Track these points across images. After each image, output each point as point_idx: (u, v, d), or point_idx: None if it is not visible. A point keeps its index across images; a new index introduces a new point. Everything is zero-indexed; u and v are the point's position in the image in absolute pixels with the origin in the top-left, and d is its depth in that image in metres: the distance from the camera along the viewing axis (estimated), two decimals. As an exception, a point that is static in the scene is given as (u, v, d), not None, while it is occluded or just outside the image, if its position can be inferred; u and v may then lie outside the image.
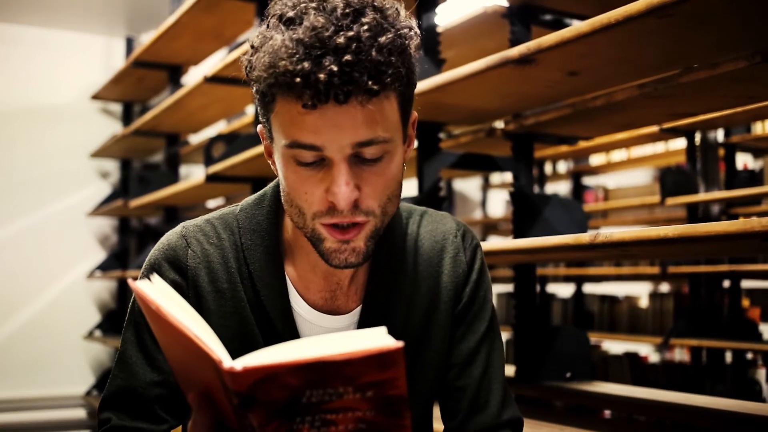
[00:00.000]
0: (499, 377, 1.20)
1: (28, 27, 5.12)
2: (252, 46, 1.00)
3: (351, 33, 0.92)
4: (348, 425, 0.78)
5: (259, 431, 0.77)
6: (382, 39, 0.93)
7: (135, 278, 0.91)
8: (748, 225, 1.19)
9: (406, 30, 0.98)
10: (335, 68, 0.90)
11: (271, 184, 1.18)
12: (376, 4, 0.97)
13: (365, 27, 0.93)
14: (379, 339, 0.74)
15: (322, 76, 0.90)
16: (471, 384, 1.18)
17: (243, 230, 1.13)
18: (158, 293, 0.80)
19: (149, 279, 0.85)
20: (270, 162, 1.09)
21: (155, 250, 1.14)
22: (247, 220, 1.14)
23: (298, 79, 0.91)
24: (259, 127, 1.07)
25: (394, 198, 1.04)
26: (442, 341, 1.19)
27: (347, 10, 0.94)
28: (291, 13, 0.96)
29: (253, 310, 1.11)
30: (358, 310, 1.14)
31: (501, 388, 1.20)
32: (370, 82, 0.92)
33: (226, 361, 0.73)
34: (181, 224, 1.16)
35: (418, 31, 1.01)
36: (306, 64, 0.91)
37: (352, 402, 0.76)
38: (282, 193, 1.06)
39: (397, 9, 1.00)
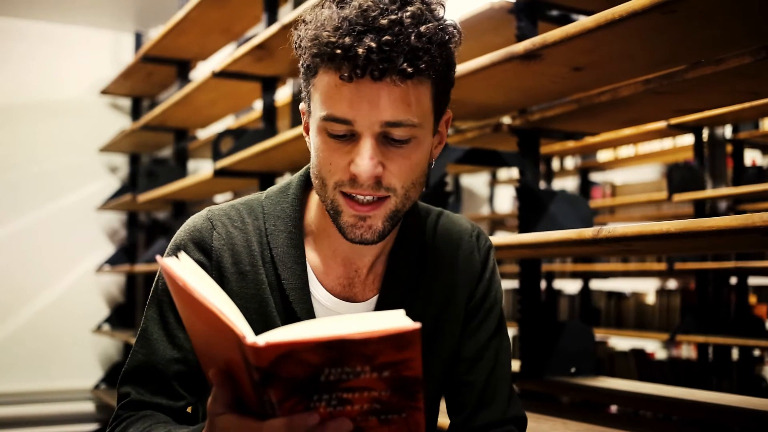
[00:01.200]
0: (506, 375, 1.24)
1: (38, 22, 5.14)
2: (303, 20, 1.06)
3: (394, 17, 0.99)
4: (363, 405, 0.80)
5: (278, 407, 0.79)
6: (423, 27, 1.00)
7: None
8: (749, 220, 1.19)
9: (449, 27, 1.04)
10: (374, 45, 0.97)
11: (296, 174, 1.22)
12: None
13: (408, 14, 1.00)
14: (397, 320, 0.77)
15: (360, 50, 0.97)
16: (479, 380, 1.21)
17: (267, 216, 1.17)
18: (185, 270, 0.83)
19: (176, 257, 0.87)
20: (306, 139, 1.14)
21: (181, 231, 1.18)
22: (272, 207, 1.18)
23: (339, 51, 0.98)
24: (301, 105, 1.13)
25: (417, 185, 1.08)
26: (453, 337, 1.22)
27: None
28: None
29: (273, 293, 1.14)
30: (374, 299, 1.18)
31: (507, 386, 1.23)
32: (405, 64, 0.98)
33: (249, 337, 0.75)
34: (207, 208, 1.20)
35: (461, 30, 1.07)
36: (348, 39, 0.98)
37: (368, 381, 0.78)
38: (311, 167, 1.11)
39: (443, 5, 1.06)
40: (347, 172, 1.03)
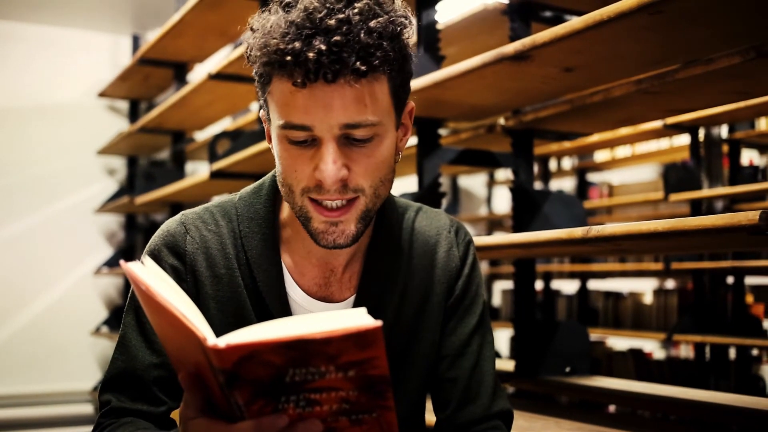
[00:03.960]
0: (489, 369, 1.23)
1: (35, 25, 5.15)
2: (251, 29, 1.05)
3: (342, 15, 0.96)
4: (332, 405, 0.80)
5: (246, 410, 0.79)
6: (373, 23, 0.97)
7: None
8: (735, 219, 1.20)
9: (399, 18, 1.01)
10: (324, 48, 0.94)
11: (269, 174, 1.21)
12: None
13: (356, 11, 0.97)
14: (358, 318, 0.76)
15: (311, 54, 0.94)
16: (462, 375, 1.20)
17: (241, 218, 1.16)
18: (149, 274, 0.83)
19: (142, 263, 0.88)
20: (270, 146, 1.12)
21: (155, 237, 1.17)
22: (245, 208, 1.17)
23: (288, 58, 0.96)
24: (261, 112, 1.11)
25: (386, 182, 1.07)
26: (434, 333, 1.21)
27: None
28: None
29: (249, 295, 1.13)
30: (352, 299, 1.17)
31: (492, 380, 1.22)
32: (358, 63, 0.96)
33: (210, 339, 0.75)
34: (181, 213, 1.20)
35: (413, 20, 1.04)
36: (297, 44, 0.95)
37: (334, 381, 0.77)
38: (277, 176, 1.09)
39: None
40: (312, 178, 1.02)
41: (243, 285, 1.14)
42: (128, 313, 1.16)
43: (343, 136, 1.01)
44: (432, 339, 1.21)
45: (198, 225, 1.16)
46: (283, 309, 1.13)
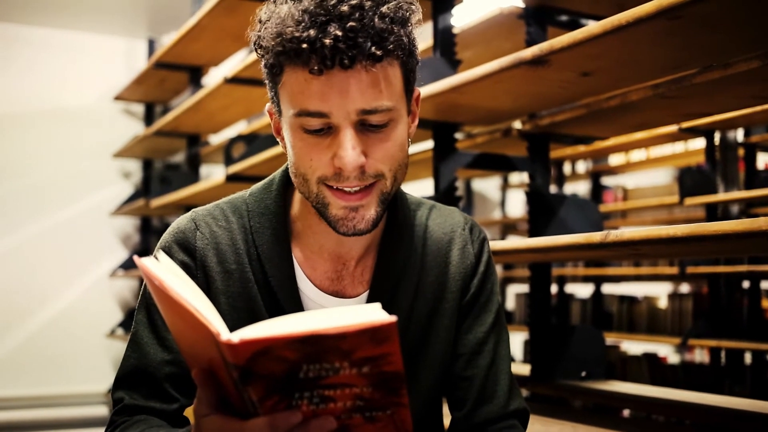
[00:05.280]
0: (505, 368, 1.22)
1: (51, 29, 5.19)
2: (259, 20, 1.04)
3: (354, 2, 0.97)
4: (346, 402, 0.79)
5: (260, 406, 0.79)
6: (384, 8, 0.98)
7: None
8: (756, 224, 1.20)
9: (407, 3, 1.03)
10: (340, 34, 0.95)
11: (279, 170, 1.21)
12: None
13: None
14: (373, 314, 0.76)
15: (327, 41, 0.95)
16: (478, 374, 1.20)
17: (252, 213, 1.16)
18: (162, 269, 0.83)
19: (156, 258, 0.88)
20: (279, 140, 1.12)
21: (166, 234, 1.18)
22: (256, 204, 1.17)
23: (304, 45, 0.96)
24: (268, 105, 1.12)
25: (403, 166, 1.08)
26: (448, 331, 1.21)
27: None
28: None
29: (260, 290, 1.13)
30: (365, 294, 1.17)
31: (508, 379, 1.22)
32: (373, 48, 0.97)
33: (224, 334, 0.75)
34: (192, 210, 1.20)
35: (419, 6, 1.06)
36: (312, 31, 0.96)
37: (348, 378, 0.77)
38: (290, 166, 1.09)
39: None
40: (330, 166, 1.02)
41: (254, 280, 1.14)
42: (140, 310, 1.16)
43: (360, 123, 1.01)
44: (447, 337, 1.21)
45: (208, 221, 1.17)
46: (295, 304, 1.13)
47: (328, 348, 0.74)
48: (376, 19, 0.97)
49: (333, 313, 0.79)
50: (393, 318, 0.74)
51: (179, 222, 1.18)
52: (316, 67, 0.97)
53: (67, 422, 4.89)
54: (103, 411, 5.02)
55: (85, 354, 5.08)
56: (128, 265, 5.07)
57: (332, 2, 0.96)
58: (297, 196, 1.17)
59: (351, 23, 0.95)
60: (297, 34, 0.96)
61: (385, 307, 1.13)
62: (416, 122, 1.14)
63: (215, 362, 0.81)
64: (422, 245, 1.21)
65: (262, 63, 1.06)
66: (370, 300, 1.16)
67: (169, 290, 0.79)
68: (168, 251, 1.15)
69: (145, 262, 0.83)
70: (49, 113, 5.16)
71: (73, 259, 5.14)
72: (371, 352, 0.75)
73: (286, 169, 1.18)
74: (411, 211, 1.23)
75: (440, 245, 1.22)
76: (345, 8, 0.96)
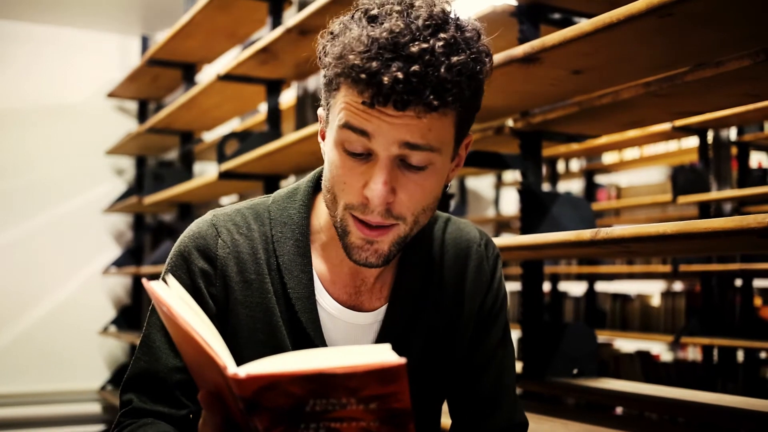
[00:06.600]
0: (511, 382, 1.24)
1: (44, 25, 5.18)
2: (331, 33, 1.02)
3: (426, 45, 0.93)
4: None
5: None
6: (455, 59, 0.94)
7: (150, 276, 0.93)
8: (745, 222, 1.20)
9: (481, 54, 0.99)
10: (401, 75, 0.92)
11: (304, 179, 1.19)
12: (459, 23, 0.98)
13: (441, 42, 0.94)
14: (382, 354, 0.75)
15: (386, 79, 0.92)
16: (485, 388, 1.21)
17: (274, 222, 1.14)
18: (172, 296, 0.82)
19: (173, 271, 0.86)
20: (321, 144, 1.10)
21: (185, 237, 1.14)
22: (279, 212, 1.15)
23: (363, 76, 0.93)
24: (320, 110, 1.09)
25: (428, 210, 1.05)
26: (462, 347, 1.21)
27: (429, 22, 0.95)
28: (375, 11, 0.98)
29: (278, 302, 1.11)
30: (383, 309, 1.15)
31: (513, 392, 1.24)
32: (431, 97, 0.93)
33: (231, 368, 0.75)
34: (211, 212, 1.17)
35: (492, 58, 1.03)
36: (374, 64, 0.93)
37: (355, 412, 0.77)
38: (323, 178, 1.08)
39: (478, 32, 1.01)
40: (360, 195, 1.00)
41: (273, 291, 1.12)
42: (153, 312, 1.14)
43: (399, 158, 0.99)
44: (460, 351, 1.21)
45: (229, 227, 1.14)
46: (312, 317, 1.11)
47: (335, 385, 0.74)
48: (442, 69, 0.93)
49: (342, 351, 0.79)
50: (402, 360, 0.73)
51: (200, 226, 1.14)
52: (369, 101, 0.94)
53: (60, 419, 4.88)
54: (96, 408, 5.01)
55: (78, 351, 5.07)
56: (121, 263, 5.06)
57: (405, 39, 0.93)
58: (321, 207, 1.15)
59: (415, 67, 0.92)
60: (358, 62, 0.94)
61: (404, 322, 1.13)
62: (460, 166, 1.11)
63: (221, 388, 0.81)
64: (440, 259, 1.20)
65: (323, 72, 1.04)
66: (388, 314, 1.15)
67: (178, 318, 0.79)
68: (187, 256, 1.12)
69: (154, 287, 0.82)
70: (42, 110, 5.14)
71: (66, 257, 5.13)
72: (379, 390, 0.75)
73: (313, 180, 1.17)
74: (428, 225, 1.21)
75: (457, 260, 1.21)
76: (415, 49, 0.92)
